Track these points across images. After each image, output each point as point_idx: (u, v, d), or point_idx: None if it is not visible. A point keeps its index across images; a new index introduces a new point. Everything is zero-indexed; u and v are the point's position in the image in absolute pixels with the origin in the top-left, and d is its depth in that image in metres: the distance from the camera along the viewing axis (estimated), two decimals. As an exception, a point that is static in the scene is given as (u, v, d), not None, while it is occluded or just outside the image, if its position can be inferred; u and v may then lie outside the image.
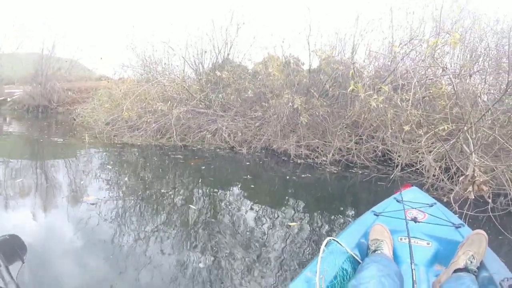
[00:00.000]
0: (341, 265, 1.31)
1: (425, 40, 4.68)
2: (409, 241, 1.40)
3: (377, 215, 1.85)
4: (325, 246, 1.25)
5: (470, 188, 2.79)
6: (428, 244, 1.58)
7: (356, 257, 1.44)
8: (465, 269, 1.29)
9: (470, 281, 1.21)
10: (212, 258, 2.15)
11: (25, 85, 13.12)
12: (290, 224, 2.81)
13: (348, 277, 1.28)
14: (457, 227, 1.71)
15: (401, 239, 1.59)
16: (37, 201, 3.13)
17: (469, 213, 2.73)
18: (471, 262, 1.32)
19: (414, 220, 1.76)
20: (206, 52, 6.79)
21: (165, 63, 7.03)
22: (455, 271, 1.29)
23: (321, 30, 6.13)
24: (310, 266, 1.26)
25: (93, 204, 3.00)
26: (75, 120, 8.97)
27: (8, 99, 13.54)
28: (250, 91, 5.90)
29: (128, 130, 6.53)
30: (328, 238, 1.33)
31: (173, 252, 2.21)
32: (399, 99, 4.04)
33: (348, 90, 4.57)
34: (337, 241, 1.41)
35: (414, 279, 1.15)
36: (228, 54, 6.98)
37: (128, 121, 6.66)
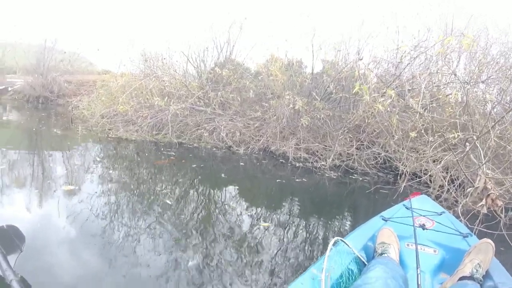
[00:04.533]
0: (347, 265, 1.31)
1: (437, 40, 4.50)
2: (416, 248, 1.39)
3: (386, 220, 1.85)
4: (332, 245, 1.26)
5: (483, 202, 2.64)
6: (435, 251, 1.58)
7: (362, 258, 1.43)
8: (471, 277, 1.28)
9: None
10: (203, 262, 2.06)
11: (26, 76, 13.05)
12: (263, 224, 2.75)
13: (354, 277, 1.28)
14: (464, 237, 1.71)
15: (408, 245, 1.60)
16: (16, 191, 3.04)
17: (479, 228, 2.62)
18: (477, 270, 1.31)
19: (422, 227, 1.77)
20: (207, 49, 6.64)
21: (164, 58, 6.86)
22: (461, 278, 1.28)
23: (325, 33, 6.01)
24: (316, 263, 1.25)
25: (75, 196, 2.95)
26: (72, 112, 8.86)
27: (9, 89, 13.44)
28: (251, 91, 5.72)
29: (123, 125, 6.36)
30: (335, 238, 1.34)
31: (164, 252, 2.13)
32: (411, 103, 3.87)
33: (353, 92, 4.43)
34: (344, 242, 1.41)
35: (419, 283, 1.15)
36: (230, 53, 6.82)
37: (124, 115, 6.51)
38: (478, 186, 2.81)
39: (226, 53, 6.80)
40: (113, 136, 6.11)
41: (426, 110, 4.14)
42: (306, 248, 2.48)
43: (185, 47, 6.84)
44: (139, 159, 4.98)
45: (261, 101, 5.82)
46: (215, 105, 5.95)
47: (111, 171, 4.13)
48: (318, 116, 5.06)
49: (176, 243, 2.27)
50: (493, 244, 1.42)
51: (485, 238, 1.47)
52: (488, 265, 1.37)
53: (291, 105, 5.17)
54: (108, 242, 2.17)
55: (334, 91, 5.31)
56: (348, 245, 1.41)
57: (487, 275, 1.35)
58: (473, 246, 1.45)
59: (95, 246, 2.11)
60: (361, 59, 5.42)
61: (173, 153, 5.22)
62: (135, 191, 3.41)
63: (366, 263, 1.41)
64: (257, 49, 6.58)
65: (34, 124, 7.63)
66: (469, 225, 2.64)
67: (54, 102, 12.20)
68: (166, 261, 2.02)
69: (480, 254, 1.38)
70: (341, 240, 1.40)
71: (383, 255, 1.41)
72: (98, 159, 4.76)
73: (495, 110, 4.36)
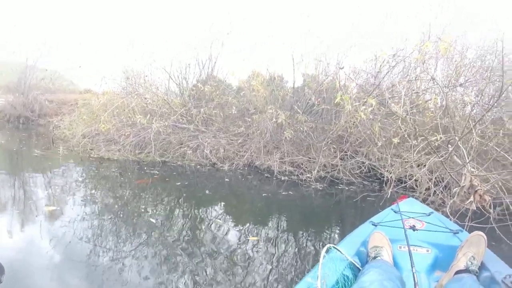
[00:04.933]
0: (342, 271, 1.29)
1: (414, 48, 4.62)
2: (409, 248, 1.38)
3: (376, 225, 1.84)
4: (325, 252, 1.24)
5: (472, 199, 2.69)
6: (427, 251, 1.58)
7: (356, 264, 1.42)
8: (466, 270, 1.28)
9: (472, 281, 1.19)
10: (193, 281, 2.01)
11: (7, 94, 12.77)
12: (251, 238, 2.73)
13: (349, 283, 1.27)
14: (455, 233, 1.73)
15: (400, 247, 1.59)
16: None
17: (470, 224, 2.67)
18: (471, 263, 1.31)
19: (413, 228, 1.76)
20: (189, 65, 6.62)
21: (146, 75, 6.81)
22: (456, 272, 1.27)
23: (306, 47, 6.09)
24: (311, 272, 1.24)
25: (57, 219, 2.87)
26: (54, 132, 8.69)
27: (-10, 108, 13.13)
28: (234, 107, 5.71)
29: (105, 144, 6.25)
30: (327, 245, 1.31)
31: (151, 275, 2.06)
32: (393, 108, 3.95)
33: (335, 102, 4.48)
34: (336, 248, 1.40)
35: (416, 282, 1.14)
36: (212, 70, 6.82)
37: (106, 134, 6.40)
38: (464, 185, 2.88)
39: (208, 70, 6.81)
40: (95, 156, 5.99)
41: (408, 115, 4.22)
42: (298, 259, 2.48)
43: (167, 64, 6.84)
44: (122, 179, 4.88)
45: (244, 116, 5.82)
46: (198, 122, 5.91)
47: (93, 192, 4.03)
48: (301, 129, 5.08)
49: (163, 264, 2.22)
50: (484, 236, 1.43)
51: (476, 231, 1.47)
52: (482, 256, 1.38)
53: (274, 119, 5.18)
54: (92, 266, 2.11)
55: (316, 103, 5.36)
56: (340, 252, 1.40)
57: (482, 266, 1.36)
58: (465, 240, 1.45)
59: (80, 271, 2.04)
60: (342, 68, 5.51)
61: (156, 171, 5.15)
62: (119, 212, 3.33)
63: (360, 268, 1.40)
64: (239, 65, 6.61)
65: (15, 144, 7.50)
66: (460, 223, 2.68)
67: (35, 122, 11.97)
68: (155, 284, 1.96)
69: (473, 247, 1.38)
70: (333, 247, 1.40)
71: (377, 258, 1.40)
72: (80, 179, 4.65)
73: (474, 111, 4.47)
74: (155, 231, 2.80)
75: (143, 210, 3.40)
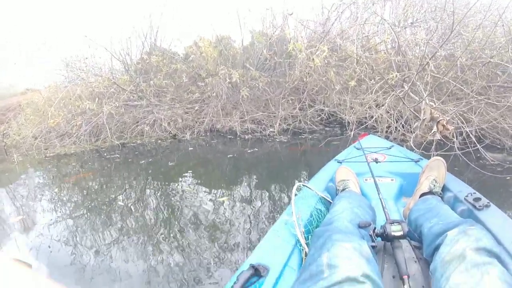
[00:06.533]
0: (314, 206, 1.33)
1: None
2: (374, 179, 1.42)
3: (340, 162, 1.89)
4: (296, 190, 1.27)
5: (435, 129, 2.79)
6: (392, 180, 1.64)
7: (327, 198, 1.47)
8: (430, 192, 1.33)
9: (437, 200, 1.23)
10: (180, 253, 1.99)
11: None
12: (221, 199, 2.73)
13: (323, 215, 1.32)
14: (416, 161, 1.81)
15: (366, 179, 1.65)
16: None
17: (436, 153, 2.79)
18: (434, 185, 1.36)
19: (376, 161, 1.84)
20: (130, 39, 6.21)
21: (86, 58, 6.33)
22: (421, 195, 1.32)
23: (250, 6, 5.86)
24: (285, 211, 1.28)
25: (29, 228, 2.70)
26: (4, 142, 8.05)
27: None
28: (184, 74, 5.47)
29: (58, 140, 5.87)
30: (297, 183, 1.33)
31: (138, 258, 2.02)
32: (348, 49, 3.98)
33: (288, 51, 4.45)
34: (306, 186, 1.44)
35: (384, 206, 1.18)
36: (155, 40, 6.44)
37: (57, 129, 6.00)
38: (425, 118, 2.97)
39: (151, 40, 6.42)
40: (51, 154, 5.64)
41: (361, 58, 4.25)
42: (274, 206, 2.52)
43: (107, 42, 6.37)
44: (84, 171, 4.65)
45: (196, 82, 5.61)
46: (149, 96, 5.64)
47: (58, 192, 3.82)
48: (257, 85, 4.99)
49: (145, 244, 2.17)
50: (443, 160, 1.48)
51: (435, 157, 1.52)
52: (443, 179, 1.44)
53: (227, 80, 5.04)
54: (78, 267, 2.01)
55: (268, 57, 5.26)
56: (311, 189, 1.44)
57: (445, 188, 1.42)
58: (425, 165, 1.50)
59: (65, 275, 1.93)
60: (291, 14, 5.40)
61: (117, 155, 4.93)
62: (89, 206, 3.17)
63: (331, 201, 1.43)
64: (183, 32, 6.29)
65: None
66: (426, 153, 2.79)
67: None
68: (141, 266, 1.91)
69: (434, 171, 1.44)
70: (303, 185, 1.43)
71: (345, 190, 1.44)
72: (42, 182, 4.37)
73: (426, 49, 4.63)
74: (129, 215, 2.73)
75: (113, 197, 3.29)
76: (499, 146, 3.47)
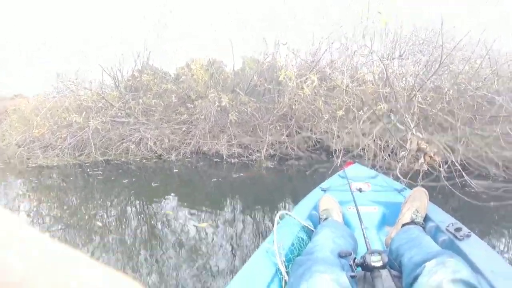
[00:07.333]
0: (296, 235, 1.34)
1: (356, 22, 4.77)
2: (357, 208, 1.43)
3: (325, 190, 1.91)
4: (279, 219, 1.28)
5: (422, 160, 2.83)
6: (375, 209, 1.67)
7: (309, 226, 1.47)
8: (412, 222, 1.34)
9: (418, 231, 1.24)
10: (156, 277, 1.97)
11: None
12: (201, 225, 2.70)
13: (304, 244, 1.32)
14: (400, 191, 1.82)
15: (349, 208, 1.66)
16: None
17: (423, 183, 2.83)
18: (416, 215, 1.38)
19: (359, 190, 1.85)
20: (123, 55, 6.23)
21: (77, 70, 6.32)
22: (403, 225, 1.33)
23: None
24: (267, 239, 1.27)
25: None
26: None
27: None
28: (174, 95, 5.48)
29: (42, 151, 5.78)
30: (280, 212, 1.34)
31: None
32: (337, 80, 4.07)
33: (279, 79, 4.52)
34: (289, 214, 1.45)
35: (366, 236, 1.19)
36: (147, 59, 6.48)
37: (41, 139, 5.91)
38: (411, 148, 3.02)
39: (143, 59, 6.45)
40: (33, 165, 5.54)
41: (349, 87, 4.35)
42: (256, 232, 2.53)
43: (99, 57, 6.39)
44: (65, 185, 4.56)
45: (185, 103, 5.63)
46: (137, 114, 5.63)
47: (37, 205, 3.74)
48: (245, 110, 5.03)
49: (124, 265, 2.14)
50: (425, 190, 1.50)
51: (417, 187, 1.55)
52: (425, 209, 1.46)
53: (217, 103, 5.07)
54: None
55: (258, 83, 5.33)
56: (294, 217, 1.45)
57: (427, 218, 1.44)
58: (408, 196, 1.53)
59: None
60: (285, 44, 5.52)
61: (100, 172, 4.87)
62: (69, 222, 3.12)
63: (313, 230, 1.44)
64: (176, 54, 6.36)
65: None
66: (414, 183, 2.83)
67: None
68: None
69: (416, 201, 1.46)
70: (286, 213, 1.44)
71: (328, 219, 1.45)
72: (21, 194, 4.28)
73: (413, 81, 4.76)
74: (108, 235, 2.68)
75: (93, 215, 3.23)
76: (483, 174, 3.54)
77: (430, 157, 3.04)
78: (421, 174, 3.01)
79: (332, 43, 5.36)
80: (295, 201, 3.32)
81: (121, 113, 5.73)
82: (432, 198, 1.53)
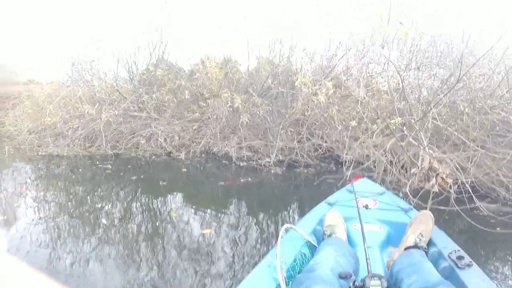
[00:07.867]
0: (300, 250, 1.36)
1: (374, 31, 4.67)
2: (361, 226, 1.44)
3: (331, 205, 1.91)
4: (283, 233, 1.32)
5: (433, 181, 2.78)
6: (380, 228, 1.66)
7: (313, 242, 1.49)
8: (415, 246, 1.34)
9: (420, 255, 1.25)
10: (157, 277, 1.99)
11: None
12: (204, 231, 2.68)
13: (306, 260, 1.33)
14: (406, 211, 1.81)
15: (354, 225, 1.66)
16: None
17: (430, 206, 2.77)
18: (419, 239, 1.38)
19: (366, 207, 1.84)
20: (139, 48, 6.20)
21: (93, 60, 6.31)
22: (406, 248, 1.34)
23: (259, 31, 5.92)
24: (271, 252, 1.29)
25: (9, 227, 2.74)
26: (-1, 129, 7.98)
27: None
28: (187, 91, 5.45)
29: (52, 139, 5.82)
30: (285, 226, 1.39)
31: (115, 274, 2.03)
32: (355, 91, 4.00)
33: (296, 84, 4.47)
34: (294, 228, 1.47)
35: (368, 257, 1.20)
36: (163, 53, 6.45)
37: (53, 128, 5.95)
38: (423, 166, 2.96)
39: (159, 53, 6.43)
40: (43, 153, 5.59)
41: (365, 99, 4.27)
42: (260, 242, 2.51)
43: (115, 48, 6.37)
44: (74, 177, 4.60)
45: (198, 101, 5.60)
46: (150, 109, 5.62)
47: (45, 194, 3.78)
48: (257, 113, 4.98)
49: (123, 265, 2.15)
50: (431, 214, 1.50)
51: (424, 210, 1.55)
52: (430, 233, 1.46)
53: (229, 103, 5.03)
54: (55, 273, 2.00)
55: (272, 85, 5.27)
56: (298, 231, 1.47)
57: (430, 243, 1.44)
58: (413, 218, 1.52)
59: None
60: (304, 50, 5.46)
61: (109, 166, 4.90)
62: (74, 213, 3.16)
63: (316, 246, 1.45)
64: (192, 49, 6.30)
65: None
66: (423, 205, 2.78)
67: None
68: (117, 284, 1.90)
69: (421, 225, 1.46)
70: (291, 227, 1.46)
71: (332, 236, 1.46)
72: (29, 181, 4.35)
73: (430, 96, 4.64)
74: (113, 231, 2.70)
75: (98, 209, 3.26)
76: (492, 197, 3.45)
77: (442, 178, 2.97)
78: (431, 196, 2.94)
79: (349, 50, 5.27)
80: (301, 212, 3.33)
81: (134, 107, 5.74)
82: (439, 218, 1.55)
